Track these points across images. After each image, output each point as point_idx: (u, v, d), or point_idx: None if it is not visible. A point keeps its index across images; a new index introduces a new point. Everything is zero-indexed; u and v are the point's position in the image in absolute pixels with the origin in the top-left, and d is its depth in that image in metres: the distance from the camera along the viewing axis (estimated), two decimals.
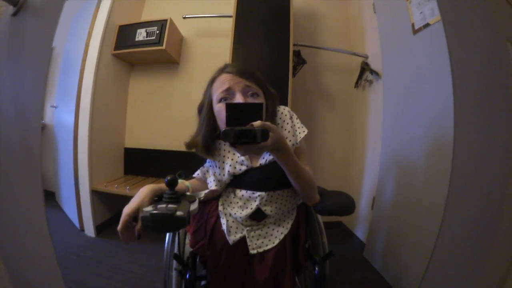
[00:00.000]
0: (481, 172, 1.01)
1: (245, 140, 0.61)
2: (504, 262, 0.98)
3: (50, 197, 2.74)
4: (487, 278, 0.97)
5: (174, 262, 0.91)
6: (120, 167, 2.41)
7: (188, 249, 0.97)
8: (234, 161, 0.88)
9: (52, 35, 0.87)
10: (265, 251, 0.87)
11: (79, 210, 2.07)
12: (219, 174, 0.90)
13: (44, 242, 0.90)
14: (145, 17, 2.42)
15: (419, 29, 1.41)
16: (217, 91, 0.82)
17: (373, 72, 1.94)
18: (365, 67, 2.03)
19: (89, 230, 2.05)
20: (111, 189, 1.99)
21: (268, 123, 0.63)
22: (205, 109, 0.87)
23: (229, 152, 0.90)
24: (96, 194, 2.05)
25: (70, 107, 2.10)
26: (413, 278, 1.33)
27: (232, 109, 0.64)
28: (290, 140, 0.88)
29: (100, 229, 2.09)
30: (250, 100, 0.81)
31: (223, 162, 0.90)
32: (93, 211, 2.03)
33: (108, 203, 2.19)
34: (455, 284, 1.08)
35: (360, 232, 2.10)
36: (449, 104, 1.11)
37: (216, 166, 0.91)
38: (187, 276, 0.86)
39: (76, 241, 1.96)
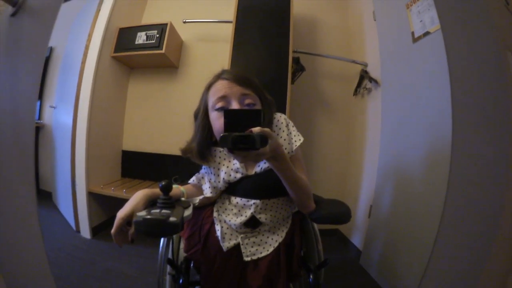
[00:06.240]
0: (478, 181, 1.01)
1: (244, 146, 0.59)
2: (501, 270, 0.98)
3: (47, 197, 2.75)
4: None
5: (168, 266, 0.90)
6: (117, 169, 2.40)
7: (182, 254, 0.97)
8: (229, 168, 0.87)
9: (48, 36, 0.89)
10: (259, 259, 0.87)
11: (76, 211, 2.07)
12: (214, 181, 0.90)
13: (36, 242, 0.90)
14: (145, 20, 2.44)
15: (419, 38, 1.40)
16: (213, 98, 0.81)
17: (372, 80, 1.94)
18: (364, 75, 2.04)
19: (85, 231, 2.05)
20: (108, 191, 1.99)
21: (267, 129, 0.61)
22: (201, 115, 0.87)
23: (224, 159, 0.89)
24: (92, 196, 2.04)
25: (68, 108, 2.10)
26: (410, 287, 1.33)
27: (231, 115, 0.63)
28: (285, 148, 0.87)
29: (96, 231, 2.08)
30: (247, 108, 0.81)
31: (218, 169, 0.89)
32: (89, 213, 2.02)
33: (104, 206, 2.18)
34: None
35: (357, 240, 2.09)
36: (448, 113, 1.12)
37: (211, 173, 0.91)
38: (180, 281, 0.85)
39: (71, 242, 1.96)
